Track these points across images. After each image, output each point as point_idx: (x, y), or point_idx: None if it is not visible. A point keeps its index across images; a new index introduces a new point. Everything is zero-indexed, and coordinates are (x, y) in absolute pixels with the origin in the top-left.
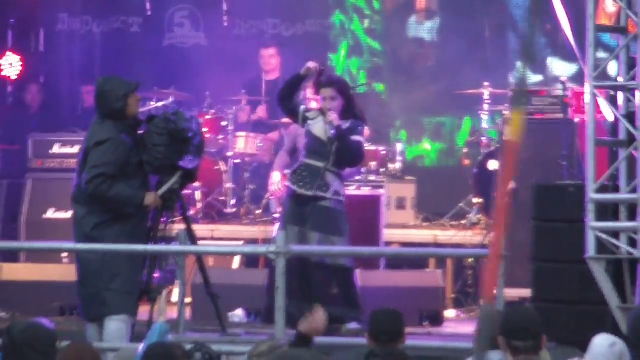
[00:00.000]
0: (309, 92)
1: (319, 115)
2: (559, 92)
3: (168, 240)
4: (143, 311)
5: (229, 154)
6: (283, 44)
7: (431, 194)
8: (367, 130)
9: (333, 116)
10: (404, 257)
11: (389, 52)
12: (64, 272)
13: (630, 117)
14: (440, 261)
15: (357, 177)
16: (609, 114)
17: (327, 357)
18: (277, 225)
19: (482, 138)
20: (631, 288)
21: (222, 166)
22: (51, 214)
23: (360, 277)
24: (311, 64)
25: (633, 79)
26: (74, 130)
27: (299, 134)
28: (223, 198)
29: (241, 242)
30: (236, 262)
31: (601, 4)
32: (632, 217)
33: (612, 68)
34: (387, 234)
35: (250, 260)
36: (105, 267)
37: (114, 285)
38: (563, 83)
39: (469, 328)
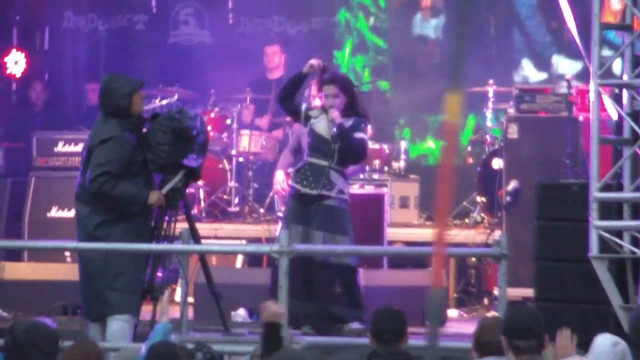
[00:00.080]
0: (313, 89)
1: (322, 113)
2: (564, 90)
3: (171, 239)
4: (145, 310)
5: (233, 152)
6: (288, 41)
7: (435, 192)
8: (370, 128)
9: (335, 113)
10: (407, 256)
11: (394, 49)
12: (67, 271)
13: (634, 115)
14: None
15: (361, 176)
16: (613, 112)
17: (330, 357)
18: (280, 225)
19: (486, 136)
20: (634, 287)
21: (226, 165)
22: (55, 212)
23: (363, 276)
24: (314, 62)
25: (638, 76)
26: (78, 128)
27: (303, 132)
28: (227, 197)
29: (244, 241)
30: (239, 261)
31: (607, 2)
32: (635, 215)
33: (617, 66)
34: (391, 232)
35: (254, 260)
36: (108, 266)
37: (117, 284)
38: (568, 81)
39: (472, 328)
